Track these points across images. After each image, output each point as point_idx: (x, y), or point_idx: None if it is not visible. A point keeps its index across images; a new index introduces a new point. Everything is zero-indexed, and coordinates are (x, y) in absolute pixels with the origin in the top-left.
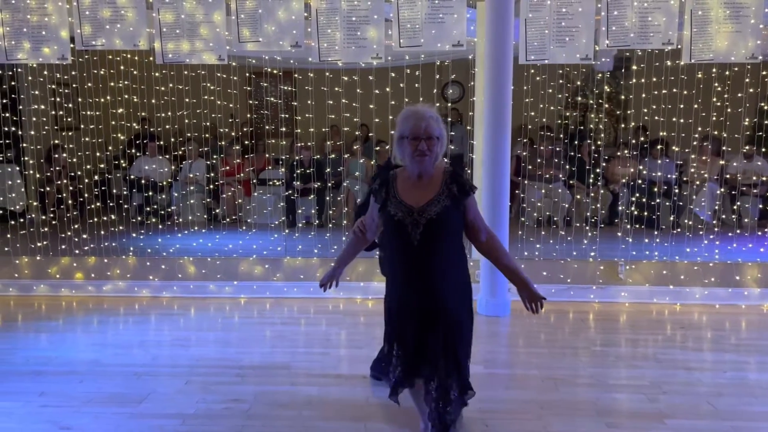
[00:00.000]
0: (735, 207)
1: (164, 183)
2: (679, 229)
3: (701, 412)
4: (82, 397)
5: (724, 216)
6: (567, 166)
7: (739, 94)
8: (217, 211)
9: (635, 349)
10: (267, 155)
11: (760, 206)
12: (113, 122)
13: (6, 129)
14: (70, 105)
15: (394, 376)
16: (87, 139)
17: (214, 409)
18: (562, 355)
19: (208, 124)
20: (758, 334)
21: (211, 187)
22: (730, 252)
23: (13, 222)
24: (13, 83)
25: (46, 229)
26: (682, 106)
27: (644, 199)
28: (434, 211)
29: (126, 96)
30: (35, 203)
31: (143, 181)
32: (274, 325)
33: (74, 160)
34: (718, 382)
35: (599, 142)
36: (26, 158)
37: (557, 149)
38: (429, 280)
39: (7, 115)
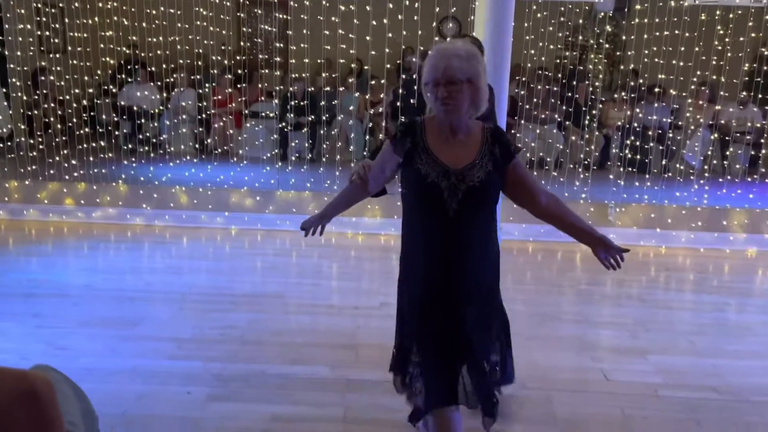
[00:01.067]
0: (727, 153)
1: (155, 111)
2: (669, 174)
3: (682, 349)
4: (76, 319)
5: (715, 162)
6: (563, 108)
7: (741, 39)
8: (209, 141)
9: (620, 288)
10: (260, 86)
11: (751, 153)
12: (101, 45)
13: None
14: (57, 26)
15: (418, 395)
16: (74, 62)
17: (209, 334)
18: (549, 293)
19: (200, 51)
20: (740, 277)
21: (203, 116)
22: (718, 198)
23: (2, 145)
24: None
25: (34, 154)
26: (682, 48)
27: (637, 143)
28: (477, 178)
29: (115, 18)
30: (22, 126)
31: (135, 108)
32: (266, 257)
33: (62, 83)
34: (700, 321)
35: (597, 84)
36: (13, 80)
37: (554, 89)
38: (465, 260)
39: None
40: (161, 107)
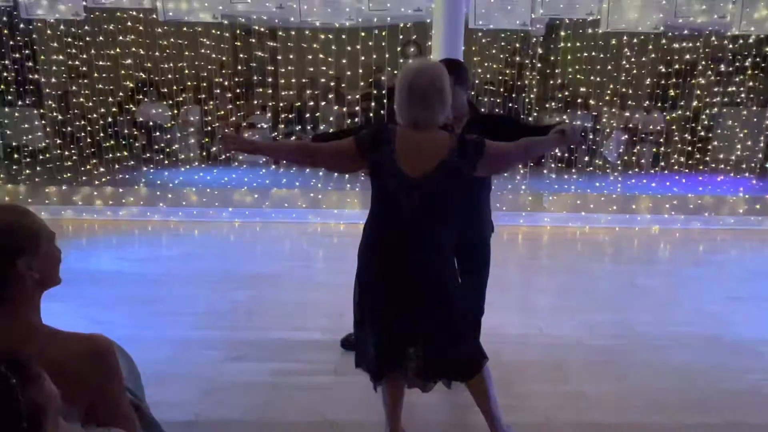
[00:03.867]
0: (635, 151)
1: (167, 125)
2: (591, 168)
3: (601, 307)
4: (111, 299)
5: (626, 158)
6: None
7: (643, 59)
8: (213, 149)
9: (553, 261)
10: (255, 102)
11: (654, 150)
12: (121, 71)
13: (28, 77)
14: (84, 56)
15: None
16: (99, 86)
17: (219, 308)
18: (496, 266)
19: (203, 74)
20: (646, 249)
21: (207, 129)
22: (629, 186)
23: (41, 157)
24: (33, 36)
25: (68, 164)
26: (599, 67)
27: None
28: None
29: (132, 48)
30: (57, 141)
31: (150, 123)
32: (264, 244)
33: (89, 104)
34: (615, 285)
35: (532, 96)
36: (48, 102)
37: (497, 101)
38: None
39: (30, 64)
40: (172, 121)
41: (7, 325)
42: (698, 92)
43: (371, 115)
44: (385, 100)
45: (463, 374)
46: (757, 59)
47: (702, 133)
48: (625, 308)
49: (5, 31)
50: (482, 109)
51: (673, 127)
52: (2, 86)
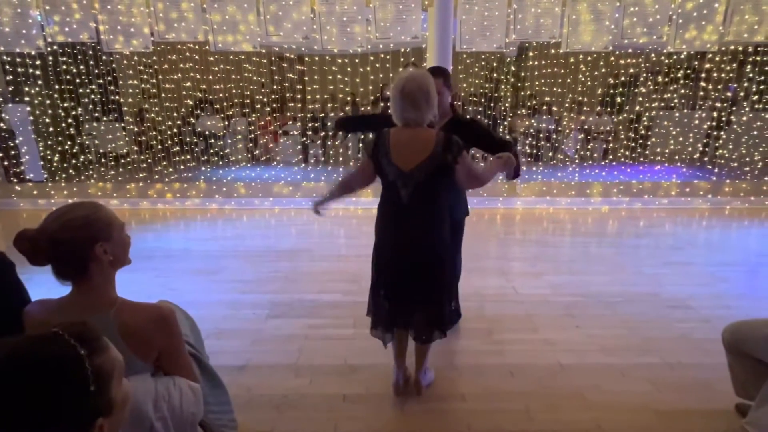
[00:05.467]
0: (589, 147)
1: (220, 134)
2: (554, 162)
3: (563, 271)
4: (180, 270)
5: (582, 152)
6: (486, 121)
7: (596, 73)
8: (256, 152)
9: (524, 236)
10: (288, 114)
11: (604, 146)
12: (183, 92)
13: (110, 98)
14: (153, 80)
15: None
16: (167, 104)
17: (264, 276)
18: (479, 240)
19: (247, 93)
20: (598, 225)
21: (251, 136)
22: (584, 175)
23: (123, 161)
24: (114, 65)
25: (144, 165)
26: (560, 80)
27: (533, 142)
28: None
29: (191, 73)
30: (135, 148)
31: (206, 132)
32: (297, 225)
33: (159, 118)
34: (573, 254)
35: (506, 104)
36: (126, 117)
37: (479, 109)
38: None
39: (112, 87)
40: (224, 131)
41: (88, 297)
42: (640, 99)
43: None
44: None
45: (432, 330)
46: (688, 71)
47: (643, 132)
48: (581, 272)
49: (92, 62)
50: (467, 116)
51: (620, 128)
52: (91, 106)
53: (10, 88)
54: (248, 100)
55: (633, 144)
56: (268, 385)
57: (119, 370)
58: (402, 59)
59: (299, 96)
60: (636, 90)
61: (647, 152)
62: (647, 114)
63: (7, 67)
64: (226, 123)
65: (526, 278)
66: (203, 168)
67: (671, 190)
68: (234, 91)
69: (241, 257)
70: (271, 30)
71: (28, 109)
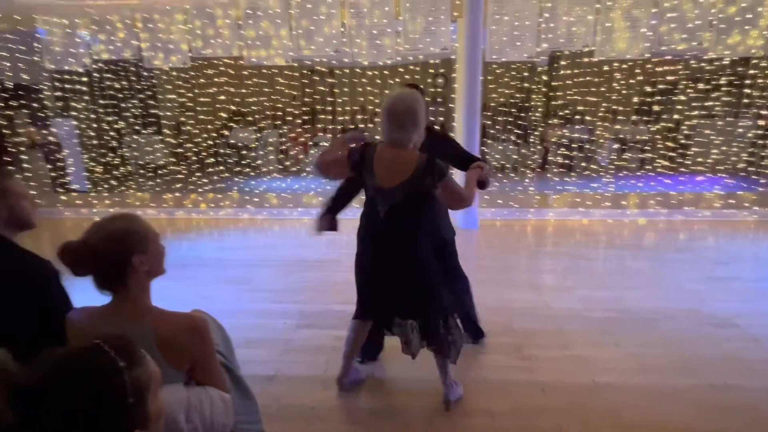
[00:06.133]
0: (624, 157)
1: (252, 145)
2: (587, 172)
3: (596, 285)
4: (213, 279)
5: (617, 163)
6: (516, 131)
7: (631, 81)
8: (287, 163)
9: (556, 249)
10: (318, 125)
11: (640, 156)
12: (218, 105)
13: (150, 111)
14: (190, 94)
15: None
16: (202, 117)
17: (294, 286)
18: (510, 252)
19: (279, 105)
20: (634, 238)
21: (282, 147)
22: (619, 186)
23: (160, 172)
24: (154, 81)
25: (180, 176)
26: (593, 89)
27: (566, 152)
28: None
29: (225, 88)
30: (172, 159)
31: (240, 144)
32: (327, 236)
33: (195, 131)
34: (607, 267)
35: (537, 114)
36: (164, 130)
37: (509, 119)
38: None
39: (151, 102)
40: (256, 142)
41: (125, 306)
42: (679, 107)
43: None
44: None
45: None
46: (731, 78)
47: (683, 141)
48: (617, 286)
49: (133, 78)
50: (435, 127)
51: (658, 137)
52: (132, 119)
53: (59, 104)
54: (280, 113)
55: (672, 153)
56: (296, 396)
57: (156, 383)
58: (431, 70)
59: (329, 108)
60: (675, 98)
61: (687, 162)
62: (687, 122)
63: (57, 83)
64: (258, 135)
65: (558, 292)
66: (236, 179)
67: (714, 202)
68: (266, 103)
69: (272, 267)
70: (303, 44)
71: (75, 123)
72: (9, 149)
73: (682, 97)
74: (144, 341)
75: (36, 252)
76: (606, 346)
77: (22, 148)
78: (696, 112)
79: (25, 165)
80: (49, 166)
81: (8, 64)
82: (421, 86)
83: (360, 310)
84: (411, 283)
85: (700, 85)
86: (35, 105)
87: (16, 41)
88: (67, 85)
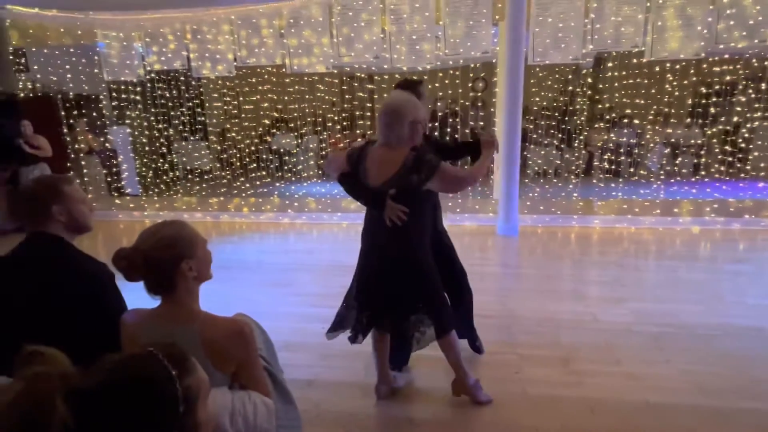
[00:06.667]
0: (676, 162)
1: (293, 151)
2: (636, 177)
3: (648, 298)
4: (255, 282)
5: (668, 168)
6: (559, 135)
7: (685, 82)
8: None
9: (603, 257)
10: (358, 131)
11: (694, 161)
12: (261, 112)
13: (197, 119)
14: (235, 102)
15: (356, 321)
16: (246, 123)
17: (333, 290)
18: (553, 261)
19: (320, 111)
20: (688, 248)
21: (322, 153)
22: (671, 192)
23: (206, 177)
24: (201, 89)
25: (224, 181)
26: (643, 91)
27: (612, 157)
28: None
29: (268, 95)
30: (217, 165)
31: (281, 150)
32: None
33: (239, 137)
34: (659, 279)
35: (582, 118)
36: (211, 137)
37: (552, 123)
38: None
39: (199, 110)
40: (297, 148)
41: (174, 310)
42: (738, 108)
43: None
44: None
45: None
46: None
47: (742, 145)
48: (670, 299)
49: (183, 87)
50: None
51: (713, 140)
52: (180, 126)
53: (116, 112)
54: (320, 119)
55: (729, 158)
56: (335, 402)
57: (205, 392)
58: (471, 74)
59: (368, 114)
60: (733, 99)
61: (747, 167)
62: (747, 125)
63: (114, 93)
64: (299, 141)
65: (606, 304)
66: (277, 184)
67: None
68: (307, 110)
69: (311, 271)
70: (343, 51)
71: (128, 130)
72: (70, 155)
73: (742, 98)
74: (191, 345)
75: (92, 253)
76: (659, 363)
77: (82, 154)
78: (757, 114)
79: (84, 170)
80: (105, 172)
81: (70, 76)
82: (419, 81)
83: (356, 323)
84: (401, 278)
85: (762, 85)
86: (94, 114)
87: (78, 54)
88: (122, 95)
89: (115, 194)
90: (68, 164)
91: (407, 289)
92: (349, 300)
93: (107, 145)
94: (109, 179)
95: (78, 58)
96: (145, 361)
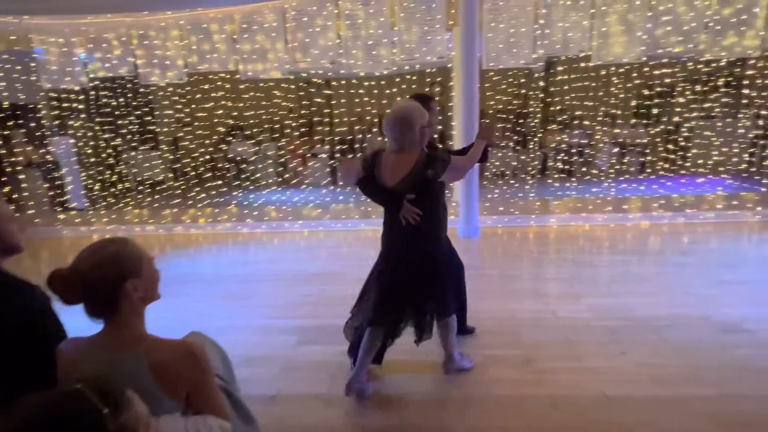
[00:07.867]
0: (624, 161)
1: (250, 159)
2: (588, 177)
3: (603, 293)
4: (213, 295)
5: (617, 167)
6: (515, 137)
7: (629, 84)
8: (286, 175)
9: (560, 255)
10: (316, 137)
11: (641, 159)
12: (215, 119)
13: (147, 127)
14: (187, 109)
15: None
16: (200, 131)
17: (293, 301)
18: (513, 261)
19: (276, 118)
20: (638, 242)
21: (281, 160)
22: (620, 190)
23: (158, 188)
24: (150, 97)
25: (178, 192)
26: (591, 93)
27: (566, 157)
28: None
29: (223, 102)
30: (170, 174)
31: (238, 158)
32: (327, 248)
33: (192, 145)
34: (613, 274)
35: (536, 120)
36: (162, 146)
37: (507, 125)
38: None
39: (149, 118)
40: (255, 156)
41: (118, 335)
42: (678, 109)
43: None
44: None
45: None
46: (729, 78)
47: (682, 143)
48: (624, 293)
49: (130, 95)
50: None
51: (657, 140)
52: (129, 136)
53: (56, 122)
54: (277, 125)
55: (672, 156)
56: (298, 416)
57: (144, 426)
58: (428, 79)
59: (327, 119)
60: (673, 100)
61: (688, 164)
62: (686, 124)
63: (54, 102)
64: (257, 148)
65: (564, 301)
66: (234, 193)
67: (717, 203)
68: (264, 117)
69: (272, 281)
70: (299, 57)
71: (72, 141)
72: (6, 169)
73: (681, 99)
74: (137, 371)
75: (35, 273)
76: (616, 356)
77: (19, 168)
78: (695, 114)
79: (23, 184)
80: (47, 185)
81: (4, 84)
82: (432, 96)
83: (373, 316)
84: (422, 275)
85: (698, 87)
86: (32, 124)
87: (12, 61)
88: (64, 104)
89: (59, 209)
90: (3, 178)
91: (425, 285)
92: (362, 308)
93: (48, 156)
94: (51, 193)
95: (12, 64)
96: (69, 400)
